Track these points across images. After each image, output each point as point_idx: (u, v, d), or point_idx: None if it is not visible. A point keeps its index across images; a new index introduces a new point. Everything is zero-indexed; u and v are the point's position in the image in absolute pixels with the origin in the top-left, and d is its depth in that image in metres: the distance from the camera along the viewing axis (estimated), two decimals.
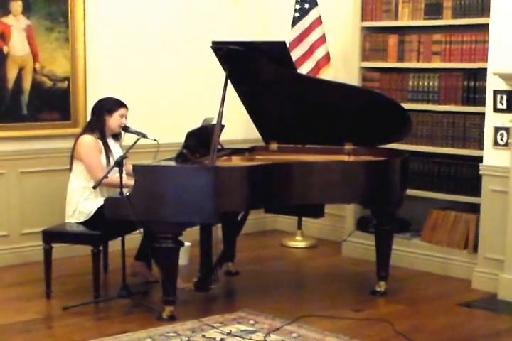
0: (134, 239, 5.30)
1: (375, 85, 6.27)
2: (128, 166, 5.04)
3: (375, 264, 5.49)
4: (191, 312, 4.95)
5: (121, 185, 4.89)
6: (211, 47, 5.17)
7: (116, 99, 5.42)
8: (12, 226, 6.04)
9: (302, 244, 6.83)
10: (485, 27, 5.54)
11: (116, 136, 5.51)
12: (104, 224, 5.09)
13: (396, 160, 5.32)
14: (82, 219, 5.30)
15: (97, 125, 5.37)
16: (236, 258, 5.89)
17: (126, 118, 5.42)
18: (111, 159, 5.30)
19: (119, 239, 5.14)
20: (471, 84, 5.79)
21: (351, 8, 6.38)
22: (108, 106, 5.38)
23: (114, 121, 5.37)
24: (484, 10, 5.61)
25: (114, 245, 5.42)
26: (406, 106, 5.64)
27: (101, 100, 5.46)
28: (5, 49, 5.86)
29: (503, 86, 5.35)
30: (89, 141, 5.31)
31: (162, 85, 6.66)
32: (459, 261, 5.82)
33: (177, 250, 4.80)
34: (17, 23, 5.89)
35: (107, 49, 6.36)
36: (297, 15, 6.59)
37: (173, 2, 6.71)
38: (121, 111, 5.38)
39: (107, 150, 5.34)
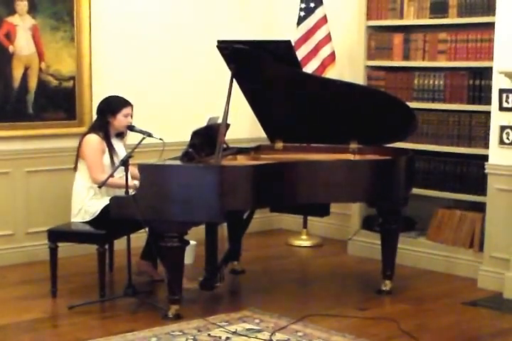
0: (139, 238, 5.31)
1: (380, 84, 6.26)
2: (132, 169, 5.03)
3: (380, 263, 5.49)
4: (197, 311, 4.95)
5: (126, 184, 4.90)
6: (217, 46, 5.18)
7: (120, 99, 5.41)
8: (18, 225, 6.04)
9: (308, 243, 6.82)
10: (490, 25, 5.53)
11: (120, 135, 5.51)
12: (109, 223, 5.09)
13: (401, 159, 5.31)
14: (88, 218, 5.30)
15: (101, 125, 5.38)
16: (241, 257, 5.90)
17: (132, 116, 5.42)
18: (115, 159, 5.30)
19: (125, 238, 5.15)
20: (476, 83, 5.78)
21: (356, 7, 6.37)
22: (111, 107, 5.36)
23: (118, 122, 5.37)
24: (490, 8, 5.60)
25: (119, 244, 5.43)
26: (411, 104, 5.64)
27: (105, 100, 5.45)
28: (11, 48, 5.87)
29: (509, 84, 5.34)
30: (93, 140, 5.31)
31: (167, 84, 6.66)
32: (464, 260, 5.81)
33: (182, 249, 4.80)
34: (23, 23, 5.89)
35: (113, 48, 6.36)
36: (302, 14, 6.59)
37: (179, 1, 6.71)
38: (125, 111, 5.37)
39: (111, 150, 5.34)
